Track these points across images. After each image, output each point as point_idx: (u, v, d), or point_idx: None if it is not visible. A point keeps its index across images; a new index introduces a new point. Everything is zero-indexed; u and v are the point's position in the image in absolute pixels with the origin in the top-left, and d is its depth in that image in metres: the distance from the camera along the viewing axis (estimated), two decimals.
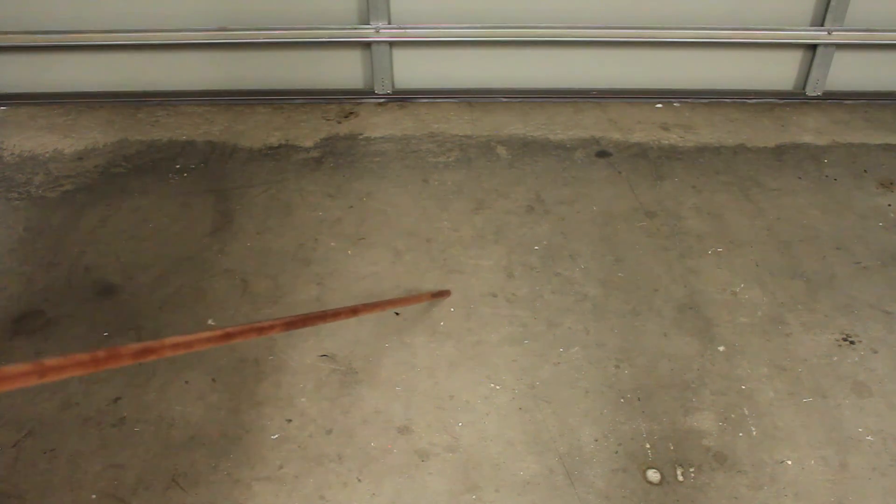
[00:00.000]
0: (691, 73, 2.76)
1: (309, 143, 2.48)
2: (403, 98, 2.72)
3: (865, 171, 2.37)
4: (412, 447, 1.54)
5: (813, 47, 2.68)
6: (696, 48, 2.71)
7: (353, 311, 1.50)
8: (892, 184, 2.32)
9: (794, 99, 2.75)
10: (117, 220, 2.14)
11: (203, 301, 1.87)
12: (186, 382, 1.67)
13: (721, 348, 1.76)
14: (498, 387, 1.67)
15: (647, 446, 1.54)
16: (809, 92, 2.75)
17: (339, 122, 2.59)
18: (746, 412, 1.61)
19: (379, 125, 2.58)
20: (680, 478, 1.48)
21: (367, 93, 2.74)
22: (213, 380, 1.68)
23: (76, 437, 1.55)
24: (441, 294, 1.85)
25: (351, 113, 2.65)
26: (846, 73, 2.73)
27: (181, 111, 2.63)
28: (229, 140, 2.49)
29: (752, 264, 2.00)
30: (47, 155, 2.40)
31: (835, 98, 2.74)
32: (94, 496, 1.45)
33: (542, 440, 1.55)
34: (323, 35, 2.62)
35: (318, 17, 2.60)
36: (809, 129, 2.58)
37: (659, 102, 2.72)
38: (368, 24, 2.59)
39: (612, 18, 2.62)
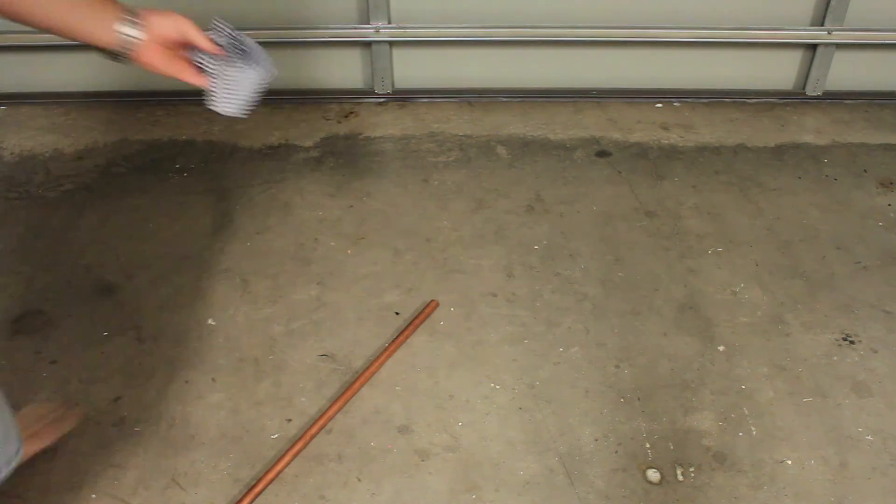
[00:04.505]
0: (691, 73, 2.76)
1: (309, 143, 2.48)
2: (403, 98, 2.72)
3: (865, 170, 2.37)
4: (412, 447, 1.54)
5: (813, 47, 2.68)
6: (696, 48, 2.71)
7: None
8: (892, 184, 2.32)
9: (794, 99, 2.75)
10: (117, 219, 2.14)
11: (203, 301, 1.87)
12: (186, 382, 1.67)
13: (721, 348, 1.76)
14: (498, 386, 1.67)
15: (647, 446, 1.54)
16: (809, 92, 2.75)
17: (339, 122, 2.59)
18: (746, 412, 1.61)
19: (379, 125, 2.58)
20: (680, 477, 1.49)
21: (367, 92, 2.74)
22: (213, 379, 1.68)
23: (76, 437, 1.55)
24: (428, 309, 1.83)
25: (351, 113, 2.65)
26: (846, 72, 2.73)
27: (181, 111, 2.63)
28: (229, 140, 2.49)
29: (752, 264, 2.00)
30: (47, 155, 2.40)
31: (835, 98, 2.74)
32: (93, 496, 1.45)
33: (542, 440, 1.55)
34: (323, 35, 2.62)
35: (318, 17, 2.60)
36: (809, 129, 2.58)
37: (659, 102, 2.72)
38: (368, 24, 2.59)
39: (612, 18, 2.62)
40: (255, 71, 1.13)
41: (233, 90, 1.12)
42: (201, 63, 1.12)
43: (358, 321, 1.82)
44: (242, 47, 1.14)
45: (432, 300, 1.86)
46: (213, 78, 1.12)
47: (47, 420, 1.52)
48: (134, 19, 1.07)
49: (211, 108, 1.13)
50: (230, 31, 1.14)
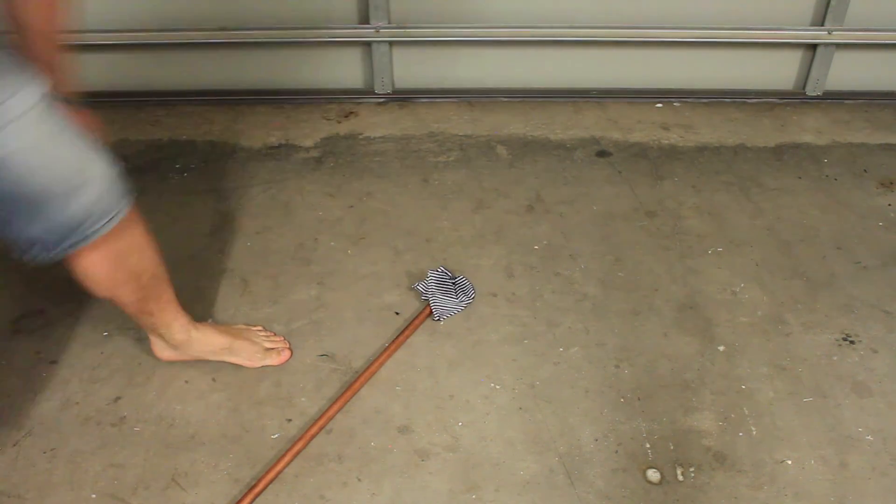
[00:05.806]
0: (691, 73, 2.76)
1: (309, 143, 2.48)
2: (403, 98, 2.72)
3: (865, 170, 2.38)
4: (412, 447, 1.54)
5: (813, 47, 2.68)
6: (696, 48, 2.71)
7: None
8: (892, 184, 2.32)
9: (794, 99, 2.75)
10: None
11: (203, 301, 1.87)
12: (186, 382, 1.67)
13: (721, 348, 1.76)
14: (498, 386, 1.67)
15: (647, 446, 1.54)
16: (809, 92, 2.75)
17: (339, 122, 2.59)
18: (746, 412, 1.61)
19: (379, 125, 2.58)
20: (680, 477, 1.49)
21: (367, 92, 2.74)
22: (213, 379, 1.68)
23: (76, 436, 1.55)
24: (428, 309, 1.82)
25: (351, 113, 2.65)
26: (846, 72, 2.73)
27: (181, 111, 2.63)
28: (230, 139, 2.49)
29: (752, 264, 2.00)
30: None
31: (835, 98, 2.74)
32: (93, 496, 1.45)
33: (542, 440, 1.55)
34: (323, 35, 2.62)
35: (318, 17, 2.60)
36: (809, 129, 2.58)
37: (659, 102, 2.72)
38: (368, 24, 2.59)
39: (612, 18, 2.62)
40: (456, 298, 1.83)
41: (439, 306, 1.81)
42: (421, 291, 1.85)
43: (358, 321, 1.82)
44: (452, 283, 1.85)
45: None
46: (426, 296, 1.83)
47: (263, 346, 1.71)
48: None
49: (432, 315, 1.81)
50: (443, 270, 1.87)
